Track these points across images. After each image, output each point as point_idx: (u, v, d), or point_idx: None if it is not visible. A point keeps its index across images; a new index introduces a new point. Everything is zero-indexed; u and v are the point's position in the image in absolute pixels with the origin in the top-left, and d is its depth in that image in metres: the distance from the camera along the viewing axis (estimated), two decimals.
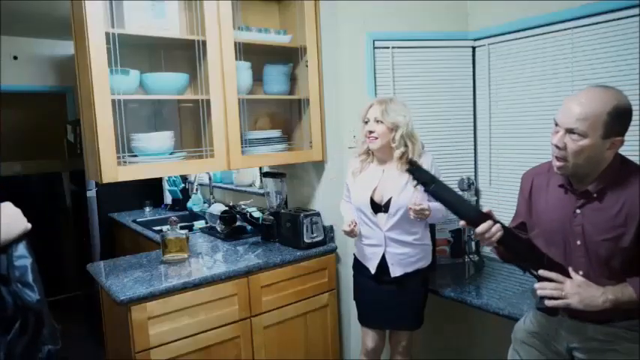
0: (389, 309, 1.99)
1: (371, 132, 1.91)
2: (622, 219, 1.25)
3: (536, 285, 1.32)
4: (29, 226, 1.31)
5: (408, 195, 1.88)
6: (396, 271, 1.95)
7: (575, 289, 1.25)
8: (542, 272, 1.30)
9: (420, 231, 1.97)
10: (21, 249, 1.28)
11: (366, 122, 1.94)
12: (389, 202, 1.91)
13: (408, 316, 2.01)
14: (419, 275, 1.99)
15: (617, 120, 1.22)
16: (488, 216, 1.34)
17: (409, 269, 1.96)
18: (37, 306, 1.28)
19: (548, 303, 1.28)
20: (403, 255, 1.94)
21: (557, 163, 1.30)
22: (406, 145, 1.91)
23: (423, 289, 2.04)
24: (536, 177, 1.48)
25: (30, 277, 1.27)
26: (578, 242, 1.34)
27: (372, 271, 1.98)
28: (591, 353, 1.38)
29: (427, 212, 1.82)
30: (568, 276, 1.30)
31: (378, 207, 1.94)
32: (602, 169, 1.28)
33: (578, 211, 1.34)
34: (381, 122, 1.89)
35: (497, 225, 1.31)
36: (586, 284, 1.26)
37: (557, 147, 1.27)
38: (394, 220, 1.91)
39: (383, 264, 1.96)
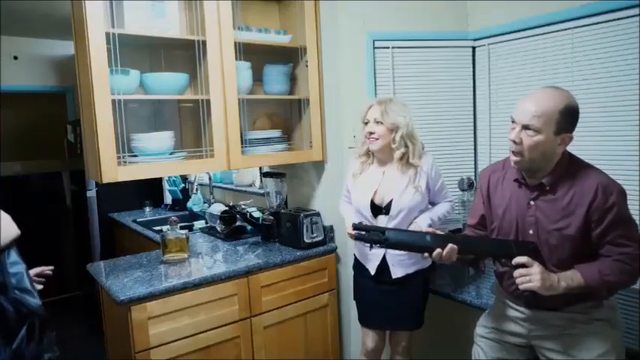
0: (389, 309, 1.99)
1: (371, 133, 1.90)
2: (571, 209, 1.36)
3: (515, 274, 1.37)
4: (19, 232, 1.30)
5: (409, 196, 1.88)
6: (397, 272, 1.95)
7: (541, 274, 1.32)
8: (515, 260, 1.35)
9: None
10: (13, 256, 1.25)
11: (366, 123, 1.93)
12: (390, 204, 1.90)
13: (408, 316, 2.01)
14: (419, 276, 1.98)
15: (568, 118, 1.32)
16: (439, 237, 1.44)
17: (410, 270, 1.95)
18: (41, 311, 1.27)
19: (520, 286, 1.35)
20: (404, 256, 1.93)
21: (514, 158, 1.39)
22: (406, 146, 1.90)
23: (423, 289, 2.04)
24: (493, 174, 1.57)
25: (27, 283, 1.25)
26: (531, 232, 1.43)
27: (372, 272, 1.98)
28: (550, 340, 1.46)
29: None
30: (538, 252, 1.37)
31: (378, 209, 1.94)
32: (554, 164, 1.38)
33: (532, 202, 1.43)
34: (381, 123, 1.88)
35: (450, 245, 1.40)
36: (547, 272, 1.34)
37: (514, 142, 1.35)
38: (395, 222, 1.90)
39: (383, 265, 1.95)
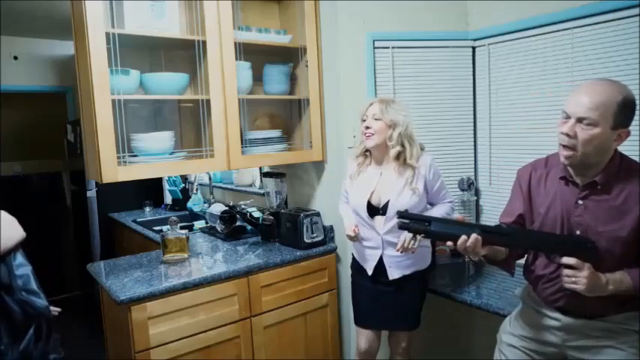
0: (386, 309, 1.98)
1: (368, 128, 1.89)
2: (624, 210, 1.28)
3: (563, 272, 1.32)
4: (24, 234, 1.30)
5: (406, 198, 1.87)
6: (393, 274, 1.93)
7: (588, 278, 1.26)
8: (564, 260, 1.30)
9: None
10: (20, 258, 1.27)
11: (365, 120, 1.93)
12: (387, 204, 1.90)
13: (405, 316, 1.99)
14: (417, 277, 1.97)
15: (625, 111, 1.25)
16: (487, 228, 1.35)
17: (407, 272, 1.94)
18: (47, 312, 1.27)
19: (565, 285, 1.30)
20: (401, 257, 1.92)
21: (566, 153, 1.31)
22: (403, 146, 1.88)
23: (421, 289, 2.03)
24: (534, 171, 1.49)
25: (34, 285, 1.26)
26: (578, 232, 1.36)
27: (370, 272, 1.97)
28: (586, 351, 1.39)
29: (414, 248, 1.80)
30: (596, 251, 1.30)
31: (375, 209, 1.93)
32: (607, 162, 1.31)
33: (580, 202, 1.35)
34: (380, 120, 1.87)
35: (473, 236, 1.32)
36: (596, 274, 1.28)
37: (567, 135, 1.28)
38: (392, 223, 1.87)
39: (381, 265, 1.95)
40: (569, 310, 1.40)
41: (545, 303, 1.47)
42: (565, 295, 1.36)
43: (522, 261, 1.59)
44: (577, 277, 1.27)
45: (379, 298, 1.99)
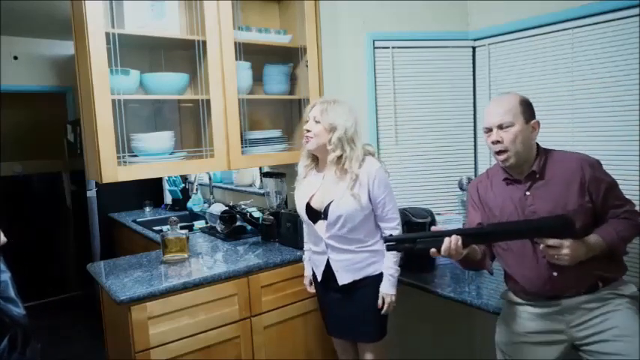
0: (343, 318, 1.92)
1: (308, 131, 1.83)
2: (564, 187, 1.48)
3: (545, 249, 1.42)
4: (5, 239, 1.27)
5: (346, 203, 1.79)
6: (342, 279, 1.86)
7: (570, 255, 1.38)
8: (546, 242, 1.40)
9: (364, 238, 1.84)
10: None
11: (307, 122, 1.87)
12: (328, 208, 1.82)
13: (364, 326, 1.89)
14: (370, 282, 1.86)
15: (528, 107, 1.52)
16: (468, 231, 1.49)
17: (357, 276, 1.85)
18: (24, 320, 1.22)
19: (548, 259, 1.43)
20: (347, 261, 1.85)
21: (501, 157, 1.52)
22: (344, 150, 1.79)
23: (375, 296, 1.87)
24: (480, 184, 1.68)
25: (12, 292, 1.21)
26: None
27: (319, 278, 1.94)
28: (592, 325, 1.46)
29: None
30: (571, 223, 1.39)
31: (317, 214, 1.87)
32: (535, 154, 1.54)
33: (527, 193, 1.53)
34: (319, 123, 1.81)
35: (454, 236, 1.42)
36: (576, 244, 1.39)
37: (496, 142, 1.50)
38: (334, 227, 1.82)
39: (330, 271, 1.88)
40: (562, 294, 1.49)
41: (539, 296, 1.53)
42: (550, 281, 1.48)
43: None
44: (559, 254, 1.39)
45: (334, 306, 1.94)
